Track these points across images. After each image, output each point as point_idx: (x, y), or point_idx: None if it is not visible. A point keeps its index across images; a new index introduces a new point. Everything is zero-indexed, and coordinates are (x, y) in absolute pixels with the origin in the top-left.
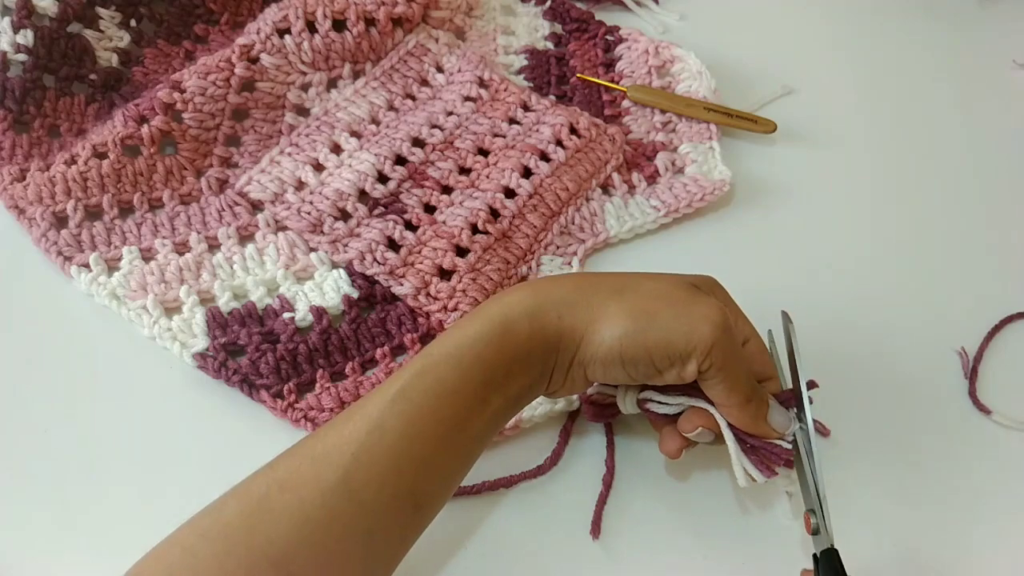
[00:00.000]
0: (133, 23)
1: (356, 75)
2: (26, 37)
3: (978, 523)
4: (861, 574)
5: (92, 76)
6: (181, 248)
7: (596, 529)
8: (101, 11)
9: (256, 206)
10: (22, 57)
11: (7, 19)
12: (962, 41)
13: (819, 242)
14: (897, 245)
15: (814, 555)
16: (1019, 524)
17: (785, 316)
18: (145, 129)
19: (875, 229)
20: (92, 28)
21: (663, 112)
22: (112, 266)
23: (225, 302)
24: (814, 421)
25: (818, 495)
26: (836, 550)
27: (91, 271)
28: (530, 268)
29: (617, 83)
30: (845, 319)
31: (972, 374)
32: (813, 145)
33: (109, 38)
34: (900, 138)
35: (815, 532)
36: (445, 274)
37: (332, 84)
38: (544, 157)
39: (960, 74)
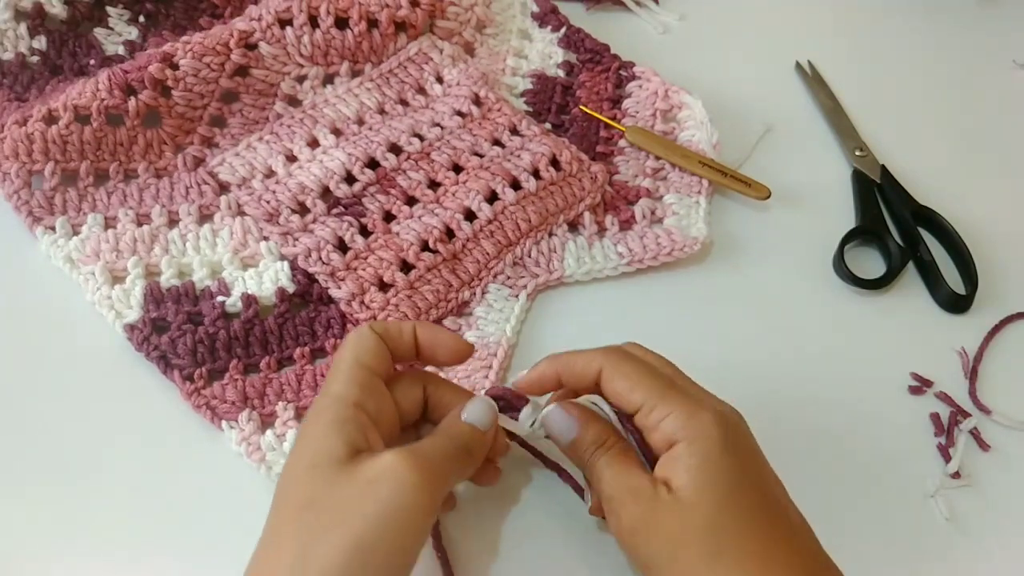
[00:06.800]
0: (141, 19)
1: (354, 74)
2: (41, 42)
3: (978, 523)
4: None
5: (92, 62)
6: (142, 219)
7: None
8: (110, 10)
9: (223, 187)
10: (35, 59)
11: (23, 24)
12: (962, 41)
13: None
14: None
15: None
16: (1020, 524)
17: None
18: (132, 102)
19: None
20: (102, 26)
21: (657, 158)
22: (76, 231)
23: (167, 278)
24: None
25: None
26: None
27: (55, 233)
28: (474, 294)
29: (619, 121)
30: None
31: (972, 374)
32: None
33: (119, 33)
34: (897, 135)
35: None
36: (384, 286)
37: (328, 80)
38: (515, 184)
39: (960, 74)
